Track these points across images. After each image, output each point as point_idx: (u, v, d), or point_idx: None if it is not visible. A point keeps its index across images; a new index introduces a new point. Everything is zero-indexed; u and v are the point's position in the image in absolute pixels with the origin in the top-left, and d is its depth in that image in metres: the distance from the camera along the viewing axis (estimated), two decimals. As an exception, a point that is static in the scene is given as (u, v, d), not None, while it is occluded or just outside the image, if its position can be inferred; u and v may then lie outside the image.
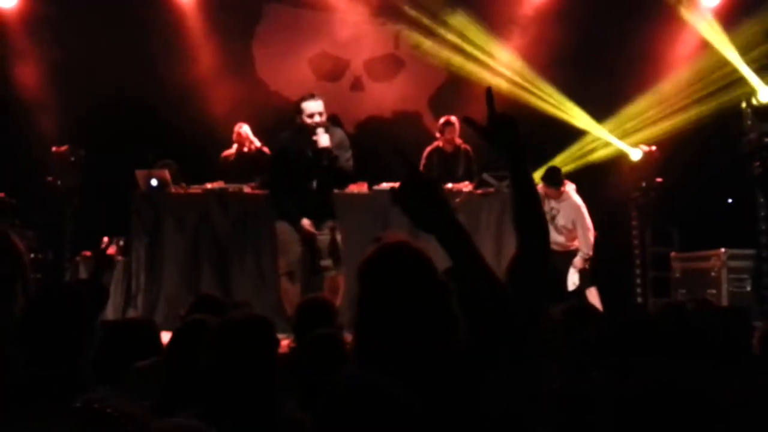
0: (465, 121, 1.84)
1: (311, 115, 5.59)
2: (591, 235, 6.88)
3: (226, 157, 7.72)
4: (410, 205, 1.50)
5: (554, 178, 6.86)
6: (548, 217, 6.95)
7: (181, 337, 2.32)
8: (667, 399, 1.02)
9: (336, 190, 6.12)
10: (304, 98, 5.71)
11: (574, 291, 6.79)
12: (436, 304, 1.52)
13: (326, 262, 5.74)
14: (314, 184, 5.71)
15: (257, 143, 7.62)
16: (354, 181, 6.47)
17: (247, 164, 7.54)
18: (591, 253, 6.88)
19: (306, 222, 5.68)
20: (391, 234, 1.39)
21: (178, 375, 2.17)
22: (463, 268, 1.50)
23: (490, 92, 1.82)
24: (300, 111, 5.63)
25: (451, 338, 1.49)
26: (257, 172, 7.46)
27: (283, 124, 8.22)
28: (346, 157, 5.75)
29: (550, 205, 6.95)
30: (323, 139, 5.56)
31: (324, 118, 5.65)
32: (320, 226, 5.78)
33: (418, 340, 1.49)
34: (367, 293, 1.57)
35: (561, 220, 6.93)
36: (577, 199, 6.94)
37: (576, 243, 6.93)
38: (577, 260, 6.87)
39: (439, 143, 7.45)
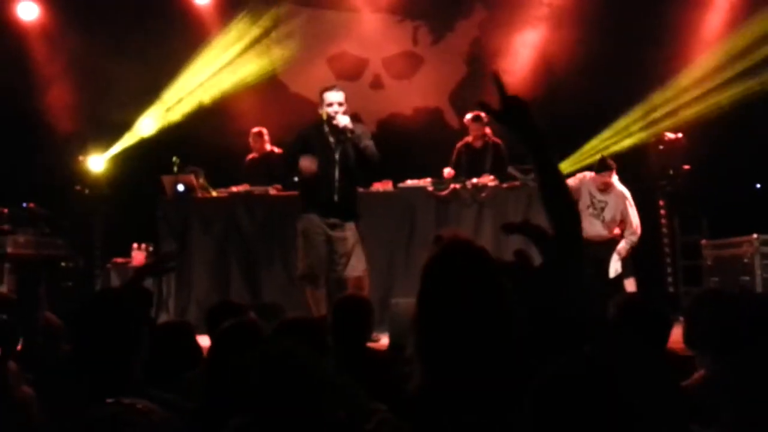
0: (479, 105, 1.88)
1: (331, 104, 5.72)
2: (638, 224, 6.84)
3: (252, 160, 7.77)
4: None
5: (606, 166, 6.85)
6: (596, 210, 6.91)
7: (225, 341, 2.32)
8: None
9: (360, 184, 6.17)
10: (325, 89, 5.88)
11: (614, 280, 6.71)
12: (495, 303, 1.53)
13: (340, 269, 5.74)
14: (336, 173, 5.72)
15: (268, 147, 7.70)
16: (378, 168, 6.16)
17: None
18: (637, 241, 6.82)
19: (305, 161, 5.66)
20: (450, 230, 1.40)
21: (223, 380, 2.16)
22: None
23: (497, 77, 1.82)
24: (321, 101, 5.80)
25: (508, 336, 1.49)
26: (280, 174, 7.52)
27: (303, 125, 8.29)
28: (367, 143, 5.78)
29: (597, 198, 6.92)
30: (342, 119, 5.66)
31: (345, 108, 5.75)
32: (341, 225, 5.77)
33: (479, 339, 1.48)
34: (429, 292, 1.57)
35: (609, 213, 6.89)
36: (623, 188, 6.93)
37: (616, 231, 6.88)
38: (622, 247, 6.79)
39: (468, 139, 7.50)
